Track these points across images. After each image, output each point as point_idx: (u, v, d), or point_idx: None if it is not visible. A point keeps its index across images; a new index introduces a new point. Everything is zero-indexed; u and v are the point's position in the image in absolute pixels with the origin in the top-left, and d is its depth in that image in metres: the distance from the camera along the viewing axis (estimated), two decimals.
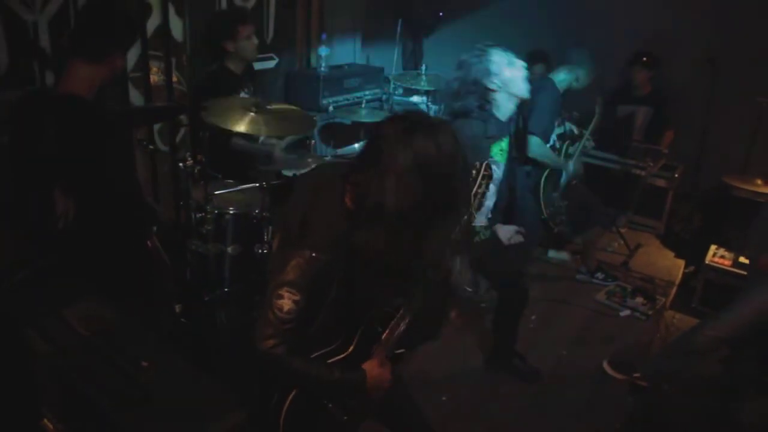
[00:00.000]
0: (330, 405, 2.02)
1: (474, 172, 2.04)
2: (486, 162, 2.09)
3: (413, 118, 1.71)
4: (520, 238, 3.38)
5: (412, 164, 1.62)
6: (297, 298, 1.76)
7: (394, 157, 1.63)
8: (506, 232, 3.36)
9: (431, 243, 1.76)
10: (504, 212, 3.48)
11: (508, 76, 3.23)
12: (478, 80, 3.22)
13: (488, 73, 3.21)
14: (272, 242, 3.16)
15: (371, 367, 1.98)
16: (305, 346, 1.90)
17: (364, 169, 1.72)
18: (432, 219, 1.70)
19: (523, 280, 3.66)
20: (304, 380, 1.92)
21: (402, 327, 2.01)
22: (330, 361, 1.96)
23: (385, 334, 2.01)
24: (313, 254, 1.74)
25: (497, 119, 3.29)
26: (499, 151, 3.33)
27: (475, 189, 2.04)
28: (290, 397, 1.94)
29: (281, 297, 1.76)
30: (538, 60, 5.42)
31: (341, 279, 1.80)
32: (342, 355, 1.98)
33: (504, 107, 3.29)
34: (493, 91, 3.23)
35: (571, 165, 4.45)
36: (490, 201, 3.25)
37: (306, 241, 1.76)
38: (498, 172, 3.25)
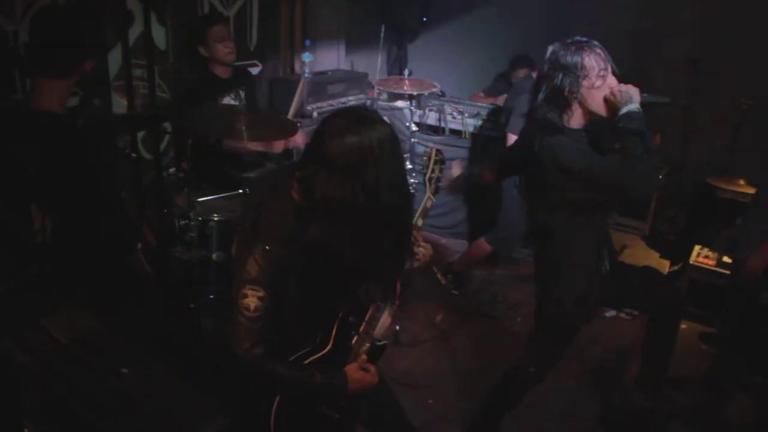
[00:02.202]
0: (321, 407, 2.02)
1: (425, 158, 2.15)
2: (436, 148, 2.21)
3: (354, 114, 1.80)
4: None
5: (352, 157, 1.70)
6: (261, 294, 1.79)
7: (335, 150, 1.71)
8: None
9: (382, 233, 1.83)
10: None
11: None
12: None
13: None
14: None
15: (353, 370, 1.99)
16: (283, 347, 1.91)
17: (308, 165, 1.78)
18: (377, 211, 1.77)
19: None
20: (286, 384, 1.92)
21: (379, 317, 2.04)
22: (310, 359, 1.97)
23: (362, 327, 2.04)
24: (267, 247, 1.78)
25: None
26: None
27: (428, 174, 2.14)
28: (277, 400, 1.94)
29: (245, 296, 1.79)
30: (522, 65, 5.46)
31: (300, 273, 1.83)
32: (322, 353, 1.99)
33: None
34: None
35: None
36: None
37: (259, 237, 1.81)
38: None
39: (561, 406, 3.51)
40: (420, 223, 2.15)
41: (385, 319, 2.10)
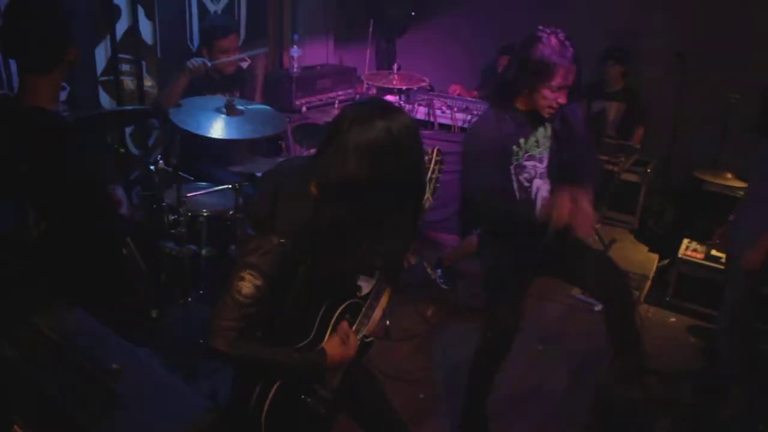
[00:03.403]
0: (309, 399, 2.02)
1: (426, 158, 2.11)
2: (437, 147, 2.18)
3: (372, 104, 1.82)
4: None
5: (366, 143, 1.70)
6: (259, 282, 1.78)
7: (350, 136, 1.71)
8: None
9: (390, 226, 1.84)
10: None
11: None
12: None
13: None
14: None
15: (331, 345, 1.99)
16: (280, 341, 1.90)
17: (326, 150, 1.78)
18: (388, 201, 1.78)
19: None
20: (262, 363, 1.91)
21: (371, 315, 2.06)
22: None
23: (355, 324, 2.06)
24: (281, 240, 1.77)
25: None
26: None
27: (429, 174, 2.12)
28: (270, 395, 1.94)
29: (242, 279, 1.78)
30: (508, 52, 5.49)
31: (307, 269, 1.83)
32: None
33: None
34: None
35: None
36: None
37: (274, 227, 1.79)
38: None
39: (555, 400, 3.53)
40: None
41: (375, 313, 2.11)
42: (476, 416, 3.19)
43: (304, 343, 1.98)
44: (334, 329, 2.01)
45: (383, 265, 2.07)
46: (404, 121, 1.77)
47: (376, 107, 1.77)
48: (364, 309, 2.08)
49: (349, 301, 2.05)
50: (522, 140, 2.82)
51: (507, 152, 2.81)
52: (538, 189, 2.92)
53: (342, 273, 1.96)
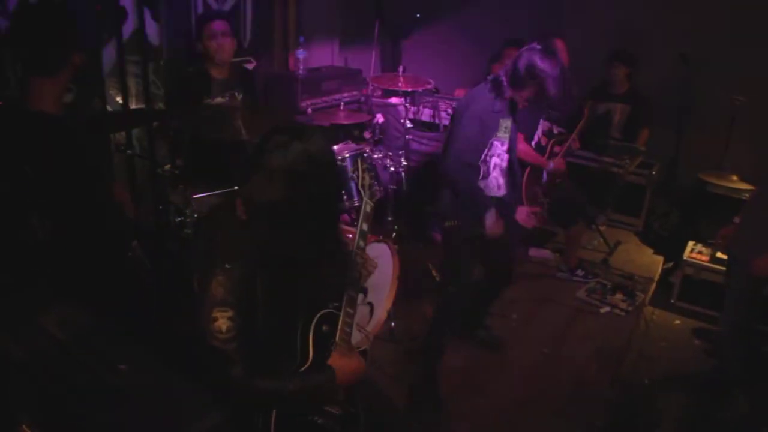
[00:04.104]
0: (319, 420, 2.02)
1: (353, 169, 2.34)
2: (360, 156, 2.35)
3: (289, 129, 1.92)
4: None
5: (286, 165, 1.83)
6: (230, 314, 1.83)
7: (271, 160, 1.84)
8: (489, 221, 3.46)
9: (319, 236, 1.97)
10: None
11: None
12: None
13: None
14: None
15: (335, 359, 2.01)
16: (266, 367, 1.91)
17: (248, 175, 1.90)
18: (311, 214, 1.91)
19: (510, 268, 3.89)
20: (272, 396, 1.91)
21: (351, 323, 2.08)
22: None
23: (337, 335, 2.05)
24: (227, 266, 1.85)
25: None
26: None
27: (360, 182, 2.28)
28: (274, 419, 1.93)
29: (215, 320, 1.83)
30: (512, 45, 5.48)
31: (264, 286, 1.88)
32: (305, 367, 1.98)
33: None
34: None
35: (551, 164, 4.45)
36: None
37: (217, 259, 1.87)
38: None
39: (560, 401, 3.52)
40: (365, 227, 2.19)
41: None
42: (430, 379, 3.50)
43: (292, 366, 1.98)
44: (315, 343, 2.00)
45: (330, 271, 2.10)
46: (320, 144, 1.90)
47: (295, 131, 1.89)
48: (341, 317, 2.07)
49: (322, 312, 2.04)
50: (502, 120, 3.30)
51: (492, 124, 3.28)
52: (495, 166, 3.40)
53: (297, 285, 1.98)
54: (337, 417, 2.04)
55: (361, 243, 2.17)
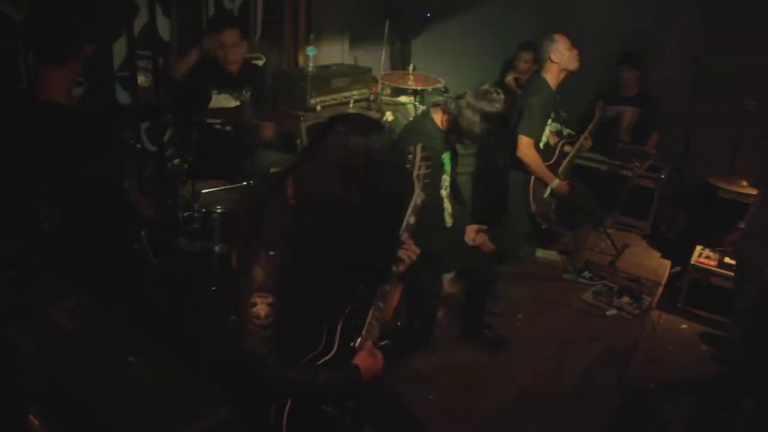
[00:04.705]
0: (329, 410, 2.02)
1: (410, 156, 2.19)
2: (420, 144, 2.23)
3: (352, 120, 1.86)
4: (483, 239, 3.67)
5: (343, 158, 1.76)
6: (270, 300, 1.81)
7: (328, 151, 1.78)
8: (469, 233, 3.67)
9: (375, 232, 1.93)
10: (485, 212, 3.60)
11: None
12: None
13: None
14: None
15: (362, 360, 2.00)
16: (291, 352, 1.90)
17: (305, 166, 1.84)
18: (363, 213, 1.84)
19: (488, 273, 3.95)
20: (304, 387, 1.92)
21: (381, 318, 2.05)
22: (319, 363, 1.97)
23: (365, 328, 2.04)
24: (271, 252, 1.80)
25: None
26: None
27: (416, 171, 2.17)
28: (288, 406, 1.94)
29: (255, 305, 1.80)
30: (528, 48, 5.51)
31: (304, 275, 1.85)
32: (328, 357, 1.99)
33: None
34: None
35: (556, 182, 4.43)
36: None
37: (261, 243, 1.82)
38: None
39: (563, 403, 3.51)
40: (412, 221, 2.13)
41: (387, 312, 2.11)
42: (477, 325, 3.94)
43: (315, 353, 1.98)
44: (342, 335, 2.01)
45: (371, 273, 2.08)
46: (383, 141, 1.82)
47: (359, 124, 1.82)
48: (370, 313, 2.07)
49: (352, 307, 2.04)
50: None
51: None
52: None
53: (335, 280, 1.97)
54: (347, 409, 2.04)
55: (405, 235, 2.12)
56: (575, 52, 4.29)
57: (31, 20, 2.41)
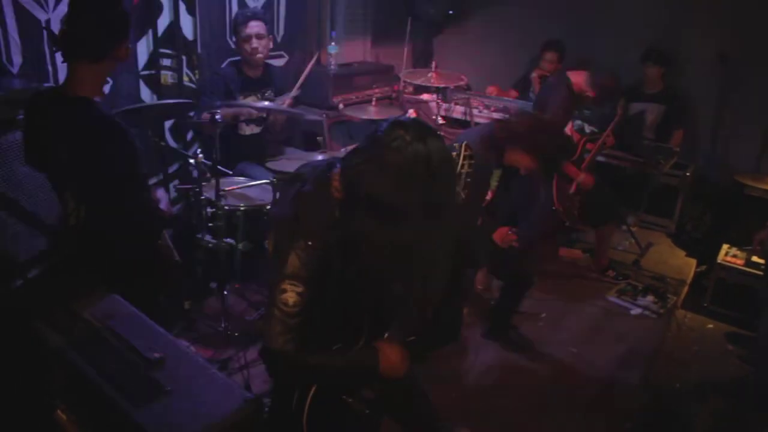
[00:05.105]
0: (350, 400, 2.02)
1: (454, 153, 2.13)
2: (465, 143, 2.18)
3: (413, 127, 1.78)
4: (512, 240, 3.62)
5: (401, 164, 1.70)
6: (300, 289, 1.78)
7: (387, 154, 1.71)
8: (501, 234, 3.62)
9: (424, 237, 1.81)
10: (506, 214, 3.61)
11: None
12: None
13: None
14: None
15: (385, 346, 1.99)
16: (316, 343, 1.90)
17: (360, 163, 1.77)
18: (423, 214, 1.75)
19: (526, 270, 3.87)
20: (320, 372, 1.92)
21: (408, 316, 2.03)
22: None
23: (394, 325, 2.03)
24: (309, 243, 1.78)
25: None
26: None
27: (458, 169, 2.14)
28: (311, 396, 1.94)
29: (284, 291, 1.78)
30: (551, 48, 5.49)
31: (339, 270, 1.83)
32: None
33: None
34: None
35: (581, 176, 4.39)
36: None
37: (300, 232, 1.80)
38: None
39: (585, 401, 3.49)
40: None
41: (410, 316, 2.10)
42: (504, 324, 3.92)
43: (340, 346, 1.97)
44: (370, 330, 2.00)
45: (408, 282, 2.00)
46: (441, 150, 1.76)
47: (419, 131, 1.76)
48: (400, 311, 2.05)
49: (383, 301, 2.02)
50: None
51: None
52: None
53: (371, 278, 1.95)
54: (367, 402, 2.04)
55: None
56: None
57: (72, 14, 2.43)
